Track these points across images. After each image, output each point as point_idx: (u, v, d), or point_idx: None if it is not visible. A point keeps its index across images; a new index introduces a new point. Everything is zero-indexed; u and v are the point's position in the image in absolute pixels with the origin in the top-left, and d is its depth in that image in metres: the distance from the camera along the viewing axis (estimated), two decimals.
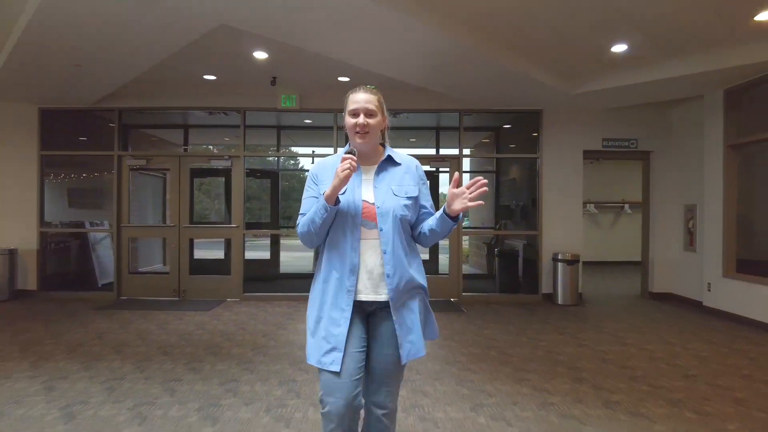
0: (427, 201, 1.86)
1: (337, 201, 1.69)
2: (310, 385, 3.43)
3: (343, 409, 1.65)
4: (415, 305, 1.78)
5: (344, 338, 1.70)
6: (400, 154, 1.87)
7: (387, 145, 1.89)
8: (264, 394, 3.26)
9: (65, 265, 7.32)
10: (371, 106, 1.75)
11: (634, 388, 3.43)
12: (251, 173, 8.40)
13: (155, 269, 8.03)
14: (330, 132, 6.95)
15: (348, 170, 1.63)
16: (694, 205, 6.56)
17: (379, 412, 1.80)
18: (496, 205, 8.26)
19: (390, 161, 1.83)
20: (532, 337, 4.85)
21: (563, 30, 4.43)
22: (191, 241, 7.05)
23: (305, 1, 3.66)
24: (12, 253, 6.61)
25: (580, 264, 6.70)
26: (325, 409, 1.68)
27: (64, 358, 4.03)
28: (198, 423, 2.82)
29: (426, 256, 8.09)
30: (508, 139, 8.01)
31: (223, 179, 7.60)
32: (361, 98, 1.75)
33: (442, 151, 7.57)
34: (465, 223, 9.08)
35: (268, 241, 8.55)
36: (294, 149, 9.56)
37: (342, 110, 1.82)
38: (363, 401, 1.77)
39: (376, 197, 1.76)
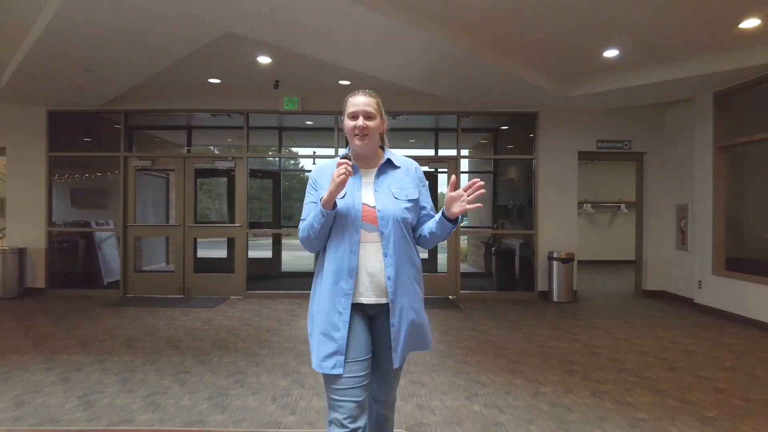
0: (427, 202, 1.88)
1: (335, 206, 1.70)
2: (313, 376, 3.60)
3: (353, 411, 1.65)
4: (413, 310, 1.78)
5: (345, 341, 1.69)
6: (400, 156, 1.89)
7: (386, 148, 1.91)
8: (270, 385, 3.44)
9: (72, 263, 7.49)
10: (370, 109, 1.77)
11: (621, 379, 3.60)
12: (253, 173, 8.58)
13: (157, 268, 8.20)
14: (331, 133, 7.13)
15: (343, 175, 1.64)
16: (685, 205, 6.74)
17: (380, 404, 1.91)
18: (493, 204, 8.43)
19: (390, 164, 1.85)
20: (526, 332, 5.02)
21: (558, 36, 4.61)
22: (194, 240, 7.22)
23: (310, 12, 3.83)
24: (21, 252, 6.79)
25: (575, 262, 6.87)
26: (333, 416, 1.67)
27: (77, 351, 4.21)
28: (208, 410, 2.99)
29: (425, 255, 8.25)
30: (505, 140, 8.18)
31: (226, 179, 7.78)
32: (360, 101, 1.77)
33: (441, 152, 7.74)
34: (464, 223, 9.25)
35: (269, 241, 8.73)
36: (295, 150, 9.73)
37: (342, 113, 1.84)
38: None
39: (376, 200, 1.77)
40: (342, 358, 1.68)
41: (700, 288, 6.20)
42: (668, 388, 3.41)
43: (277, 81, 6.21)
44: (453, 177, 1.73)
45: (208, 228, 7.78)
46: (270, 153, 8.93)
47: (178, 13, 3.91)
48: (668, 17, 4.15)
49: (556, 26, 4.39)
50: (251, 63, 5.56)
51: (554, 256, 6.79)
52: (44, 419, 2.84)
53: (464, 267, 8.45)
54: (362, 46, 4.63)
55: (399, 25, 4.06)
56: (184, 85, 6.59)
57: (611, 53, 5.02)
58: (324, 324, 1.73)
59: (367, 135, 1.77)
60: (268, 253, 8.60)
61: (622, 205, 11.83)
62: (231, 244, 7.33)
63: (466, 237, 10.11)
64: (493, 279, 7.91)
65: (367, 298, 1.74)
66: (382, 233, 1.73)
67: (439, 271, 7.59)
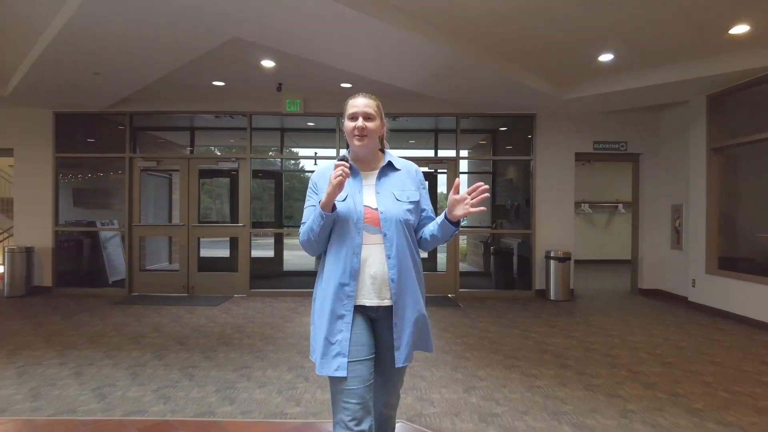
0: (427, 205, 1.90)
1: (333, 208, 1.70)
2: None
3: (358, 413, 1.66)
4: (416, 310, 1.79)
5: (347, 343, 1.70)
6: (400, 159, 1.91)
7: (386, 150, 1.92)
8: (275, 378, 3.57)
9: (77, 262, 7.62)
10: (369, 110, 1.78)
11: (614, 373, 3.74)
12: (254, 174, 8.71)
13: (160, 267, 8.33)
14: (332, 134, 7.26)
15: (340, 177, 1.64)
16: (680, 205, 6.87)
17: (383, 405, 1.93)
18: (492, 205, 8.57)
19: (390, 167, 1.86)
20: (523, 329, 5.16)
21: (554, 41, 4.74)
22: (198, 240, 7.35)
23: (314, 20, 3.97)
24: (29, 251, 6.93)
25: (572, 261, 7.01)
26: (337, 417, 1.69)
27: (87, 347, 4.34)
28: (217, 402, 3.13)
29: (425, 254, 8.40)
30: (504, 140, 8.31)
31: (229, 180, 7.91)
32: (360, 103, 1.79)
33: (441, 153, 7.87)
34: (463, 223, 9.38)
35: (271, 240, 8.88)
36: (296, 150, 9.87)
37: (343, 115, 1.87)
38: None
39: (378, 202, 1.77)
40: (345, 360, 1.68)
41: (693, 286, 6.34)
42: (658, 381, 3.55)
43: (280, 84, 6.34)
44: (456, 180, 1.74)
45: (212, 228, 7.91)
46: (273, 154, 9.07)
47: (186, 21, 4.05)
48: (661, 24, 4.29)
49: (553, 33, 4.53)
50: (255, 66, 5.69)
51: (551, 255, 6.93)
52: (61, 410, 2.97)
53: (463, 266, 8.59)
54: (364, 51, 4.77)
55: (401, 32, 4.19)
56: (188, 87, 6.71)
57: (606, 57, 5.16)
58: (326, 326, 1.73)
59: (366, 136, 1.78)
60: (269, 253, 8.75)
61: (620, 205, 11.97)
62: (233, 244, 7.47)
63: (465, 237, 10.26)
64: (492, 278, 8.05)
65: (370, 300, 1.74)
66: (385, 235, 1.74)
67: (438, 270, 7.72)
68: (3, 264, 6.91)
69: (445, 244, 7.36)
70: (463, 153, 7.63)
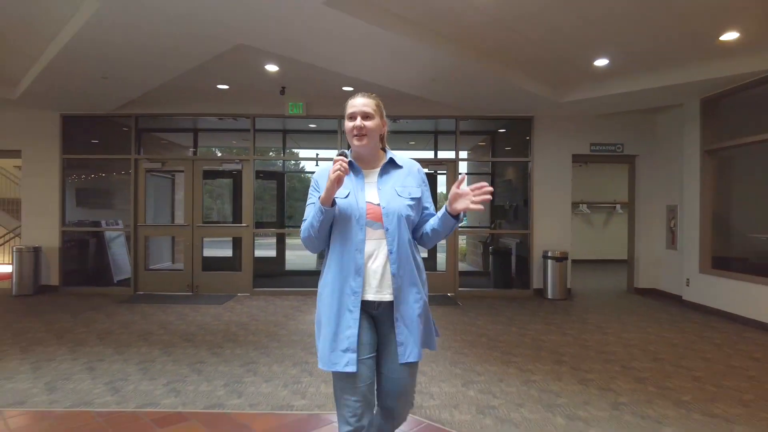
0: (428, 202, 1.92)
1: (333, 203, 1.72)
2: None
3: (358, 409, 1.72)
4: (418, 308, 1.82)
5: (356, 339, 1.72)
6: (402, 157, 1.92)
7: (387, 149, 1.94)
8: (281, 373, 3.71)
9: (83, 262, 7.75)
10: (367, 109, 1.80)
11: (607, 369, 3.87)
12: (256, 174, 8.85)
13: (162, 267, 8.47)
14: (333, 136, 7.41)
15: (339, 171, 1.66)
16: (675, 206, 7.01)
17: (391, 405, 1.86)
18: (491, 205, 8.70)
19: (392, 164, 1.88)
20: (520, 327, 5.30)
21: (552, 47, 4.88)
22: (201, 240, 7.49)
23: (317, 27, 4.10)
24: (36, 251, 7.06)
25: (569, 261, 7.14)
26: (339, 413, 1.75)
27: (97, 344, 4.48)
28: (226, 395, 3.27)
29: (425, 254, 8.54)
30: (503, 142, 8.45)
31: (231, 181, 8.05)
32: (358, 102, 1.82)
33: (441, 154, 8.01)
34: (463, 222, 9.53)
35: (272, 240, 9.03)
36: (296, 151, 10.01)
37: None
38: (375, 402, 1.86)
39: (380, 198, 1.79)
40: (354, 356, 1.71)
41: (687, 286, 6.47)
42: (649, 376, 3.69)
43: (283, 87, 6.47)
44: (462, 174, 1.80)
45: (216, 228, 8.06)
46: (276, 155, 9.21)
47: (193, 30, 4.19)
48: (654, 31, 4.43)
49: (550, 39, 4.67)
50: (259, 71, 5.83)
51: (549, 255, 7.06)
52: (77, 402, 3.11)
53: (463, 266, 8.75)
54: (365, 57, 4.92)
55: (402, 38, 4.33)
56: (193, 90, 6.84)
57: (602, 62, 5.30)
58: (334, 323, 1.75)
59: (365, 135, 1.79)
60: (271, 253, 8.89)
61: (618, 206, 12.09)
62: (236, 244, 7.60)
63: (465, 237, 10.41)
64: (491, 277, 8.19)
65: (372, 294, 1.77)
66: (387, 230, 1.77)
67: (438, 269, 7.86)
68: (11, 263, 7.03)
69: (445, 244, 7.55)
70: (463, 154, 7.77)
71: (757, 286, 5.33)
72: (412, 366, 1.83)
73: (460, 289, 7.32)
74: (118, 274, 7.64)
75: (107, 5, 3.76)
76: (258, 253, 7.70)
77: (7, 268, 8.86)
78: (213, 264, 7.71)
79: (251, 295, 7.12)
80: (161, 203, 9.05)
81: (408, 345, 1.77)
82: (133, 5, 3.78)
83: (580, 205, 11.84)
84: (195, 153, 8.37)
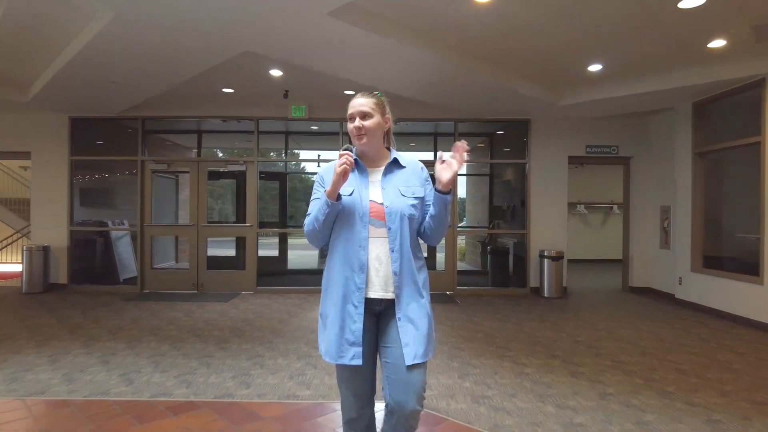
0: (431, 200, 1.91)
1: (339, 198, 1.76)
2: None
3: (359, 402, 1.82)
4: (421, 307, 1.82)
5: (362, 333, 1.76)
6: (405, 157, 1.93)
7: (393, 148, 1.95)
8: (286, 366, 3.89)
9: (91, 261, 7.94)
10: (366, 109, 1.81)
11: (597, 362, 4.06)
12: (258, 175, 9.04)
13: (166, 266, 8.64)
14: (335, 137, 7.59)
15: (344, 165, 1.69)
16: (668, 207, 7.19)
17: (399, 411, 1.76)
18: (490, 206, 8.90)
19: (396, 164, 1.90)
20: (516, 323, 5.48)
21: (547, 52, 5.06)
22: (206, 239, 7.68)
23: (320, 35, 4.29)
24: (45, 250, 7.25)
25: (565, 260, 7.32)
26: (342, 405, 1.86)
27: (109, 339, 4.66)
28: (234, 386, 3.45)
29: (424, 253, 8.70)
30: (501, 143, 8.64)
31: (235, 181, 8.23)
32: (356, 103, 1.83)
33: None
34: (462, 223, 9.73)
35: (274, 240, 9.22)
36: (298, 152, 10.21)
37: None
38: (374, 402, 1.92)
39: (384, 197, 1.82)
40: (360, 349, 1.75)
41: (680, 284, 6.65)
42: (637, 369, 3.87)
43: (286, 91, 6.66)
44: (440, 153, 1.79)
45: (221, 228, 8.24)
46: (280, 157, 9.41)
47: (201, 39, 4.38)
48: (645, 39, 4.61)
49: (547, 46, 4.86)
50: (264, 75, 6.01)
51: (545, 254, 7.25)
52: (95, 392, 3.30)
53: (462, 265, 8.93)
54: (367, 62, 5.11)
55: (404, 47, 4.53)
56: (199, 93, 7.02)
57: (595, 68, 5.48)
58: (340, 318, 1.78)
59: (365, 134, 1.82)
60: (274, 252, 9.08)
61: (615, 206, 12.27)
62: (239, 243, 7.78)
63: (464, 237, 10.61)
64: (489, 276, 8.37)
65: (375, 292, 1.79)
66: (389, 228, 1.79)
67: (438, 268, 8.04)
68: (21, 262, 7.22)
69: (444, 243, 7.72)
70: None
71: (744, 283, 5.51)
72: (419, 367, 1.76)
73: (458, 287, 7.50)
74: (123, 273, 7.83)
75: (120, 17, 3.95)
76: (261, 252, 7.89)
77: (17, 267, 9.04)
78: (217, 263, 7.90)
79: (255, 293, 7.30)
80: (165, 203, 9.23)
81: (411, 346, 1.76)
82: (145, 17, 3.97)
83: (578, 205, 12.03)
84: (199, 154, 8.56)
